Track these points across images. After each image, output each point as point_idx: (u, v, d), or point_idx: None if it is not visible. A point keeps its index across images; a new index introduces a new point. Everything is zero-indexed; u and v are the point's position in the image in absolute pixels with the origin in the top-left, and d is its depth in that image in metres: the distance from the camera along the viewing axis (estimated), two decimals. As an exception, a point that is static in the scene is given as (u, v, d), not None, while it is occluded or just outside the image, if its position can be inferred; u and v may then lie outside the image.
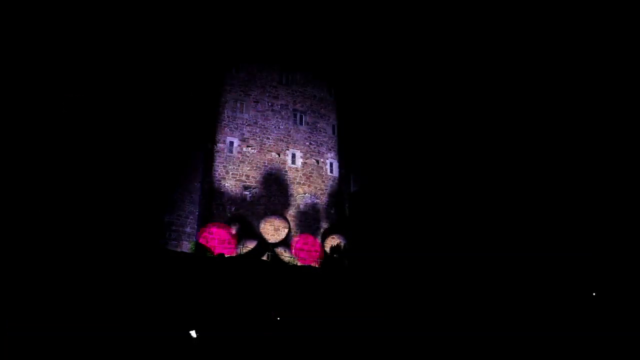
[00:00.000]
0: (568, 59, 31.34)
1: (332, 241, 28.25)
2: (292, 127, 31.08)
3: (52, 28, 23.58)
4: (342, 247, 27.66)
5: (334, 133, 32.38)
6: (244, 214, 27.71)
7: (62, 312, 10.55)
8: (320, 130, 31.90)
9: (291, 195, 29.42)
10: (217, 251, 25.12)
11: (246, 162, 28.81)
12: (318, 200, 30.01)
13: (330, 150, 31.83)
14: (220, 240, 25.76)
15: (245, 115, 29.88)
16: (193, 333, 10.59)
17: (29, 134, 21.36)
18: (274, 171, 29.41)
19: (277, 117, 30.74)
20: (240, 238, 26.73)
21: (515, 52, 33.36)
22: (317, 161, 31.12)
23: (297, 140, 30.92)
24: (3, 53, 21.64)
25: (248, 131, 29.59)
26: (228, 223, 26.99)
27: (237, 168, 28.46)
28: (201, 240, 25.40)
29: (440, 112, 32.98)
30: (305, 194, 29.83)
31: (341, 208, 30.38)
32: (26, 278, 12.57)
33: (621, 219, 23.41)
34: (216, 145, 28.44)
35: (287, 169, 29.89)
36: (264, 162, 29.33)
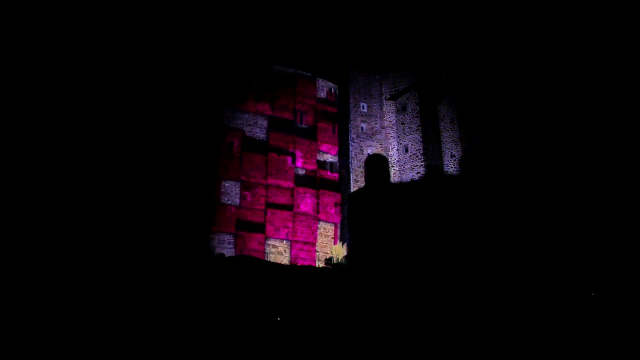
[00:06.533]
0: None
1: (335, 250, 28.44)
2: (293, 127, 31.09)
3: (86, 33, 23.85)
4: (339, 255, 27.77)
5: (334, 133, 32.38)
6: (245, 214, 27.73)
7: (63, 311, 10.57)
8: (321, 130, 31.91)
9: (292, 195, 29.45)
10: None
11: (246, 162, 28.82)
12: (318, 200, 30.06)
13: (330, 150, 31.84)
14: None
15: (246, 115, 29.89)
16: (192, 332, 10.59)
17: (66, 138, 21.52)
18: (274, 171, 29.42)
19: (277, 117, 30.74)
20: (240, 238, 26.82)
21: (514, 51, 33.35)
22: (317, 161, 31.14)
23: (298, 140, 30.93)
24: (22, 53, 21.73)
25: (248, 131, 29.61)
26: (228, 223, 27.05)
27: (237, 168, 28.47)
28: None
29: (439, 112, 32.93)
30: (305, 193, 29.86)
31: (341, 208, 30.41)
32: (32, 279, 12.61)
33: (621, 219, 23.40)
34: (217, 145, 28.42)
35: (287, 168, 29.90)
36: (264, 162, 29.32)
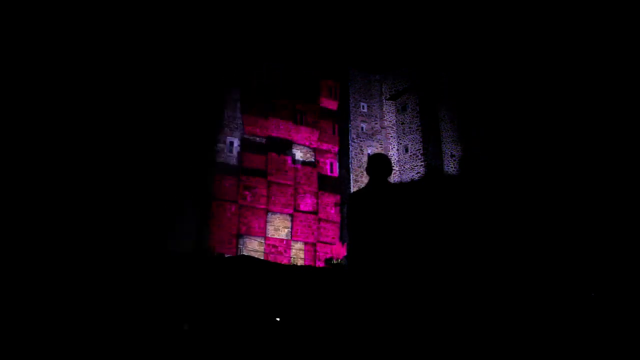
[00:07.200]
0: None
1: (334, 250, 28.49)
2: (293, 127, 31.07)
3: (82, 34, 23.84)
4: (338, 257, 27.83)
5: (334, 133, 32.38)
6: (245, 214, 27.73)
7: (61, 312, 10.57)
8: (321, 130, 31.90)
9: (291, 195, 29.43)
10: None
11: (246, 161, 28.80)
12: (318, 200, 30.05)
13: (330, 150, 31.84)
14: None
15: (245, 115, 29.85)
16: (190, 333, 10.59)
17: (38, 135, 21.43)
18: (274, 171, 29.41)
19: (277, 117, 30.72)
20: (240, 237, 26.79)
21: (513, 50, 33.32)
22: (317, 161, 31.13)
23: (298, 140, 30.92)
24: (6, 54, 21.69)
25: (248, 131, 29.59)
26: (229, 223, 27.05)
27: (237, 168, 28.46)
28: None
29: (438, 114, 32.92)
30: (305, 193, 29.86)
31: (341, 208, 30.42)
32: (28, 279, 12.58)
33: (621, 219, 23.40)
34: (216, 145, 28.41)
35: (287, 168, 29.89)
36: (264, 162, 29.31)
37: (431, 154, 30.76)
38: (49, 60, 23.08)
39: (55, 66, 23.23)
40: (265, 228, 27.93)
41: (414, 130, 31.40)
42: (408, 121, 31.90)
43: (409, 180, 30.13)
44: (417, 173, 30.29)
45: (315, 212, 29.66)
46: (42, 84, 22.61)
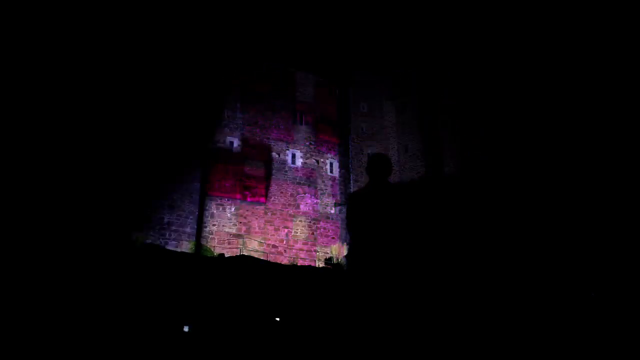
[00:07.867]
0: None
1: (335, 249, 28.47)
2: (292, 127, 31.08)
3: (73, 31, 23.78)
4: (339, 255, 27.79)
5: (334, 133, 32.38)
6: (244, 214, 27.73)
7: (58, 311, 10.58)
8: (320, 130, 31.90)
9: (291, 195, 29.43)
10: None
11: (246, 162, 28.80)
12: (318, 200, 30.05)
13: (330, 150, 31.84)
14: None
15: (246, 115, 29.86)
16: (190, 333, 10.60)
17: (34, 133, 21.40)
18: (274, 171, 29.41)
19: (277, 117, 30.72)
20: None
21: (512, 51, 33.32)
22: (317, 161, 31.13)
23: (297, 140, 30.93)
24: (3, 53, 21.66)
25: (248, 131, 29.59)
26: (228, 224, 27.04)
27: (237, 168, 28.46)
28: None
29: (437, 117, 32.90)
30: (305, 194, 29.86)
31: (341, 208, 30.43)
32: (23, 277, 12.58)
33: (621, 219, 23.39)
34: (216, 145, 28.41)
35: (287, 169, 29.90)
36: (264, 162, 29.32)
37: (431, 154, 30.76)
38: (54, 62, 23.06)
39: (57, 67, 23.21)
40: (264, 228, 27.93)
41: (414, 130, 31.40)
42: (408, 121, 31.89)
43: (409, 180, 30.11)
44: (417, 173, 30.29)
45: (315, 212, 29.62)
46: (44, 85, 22.60)
